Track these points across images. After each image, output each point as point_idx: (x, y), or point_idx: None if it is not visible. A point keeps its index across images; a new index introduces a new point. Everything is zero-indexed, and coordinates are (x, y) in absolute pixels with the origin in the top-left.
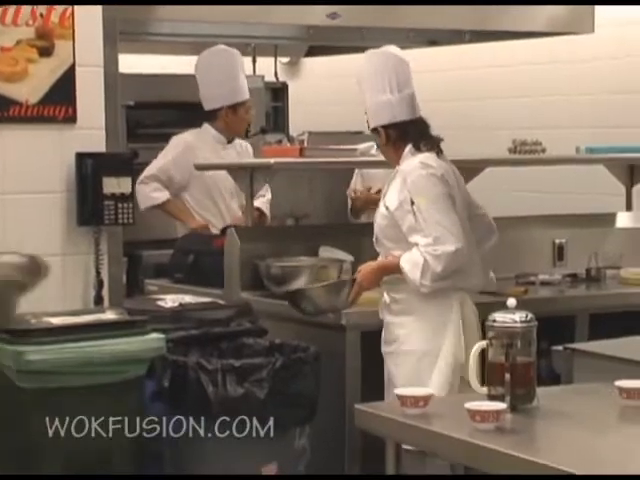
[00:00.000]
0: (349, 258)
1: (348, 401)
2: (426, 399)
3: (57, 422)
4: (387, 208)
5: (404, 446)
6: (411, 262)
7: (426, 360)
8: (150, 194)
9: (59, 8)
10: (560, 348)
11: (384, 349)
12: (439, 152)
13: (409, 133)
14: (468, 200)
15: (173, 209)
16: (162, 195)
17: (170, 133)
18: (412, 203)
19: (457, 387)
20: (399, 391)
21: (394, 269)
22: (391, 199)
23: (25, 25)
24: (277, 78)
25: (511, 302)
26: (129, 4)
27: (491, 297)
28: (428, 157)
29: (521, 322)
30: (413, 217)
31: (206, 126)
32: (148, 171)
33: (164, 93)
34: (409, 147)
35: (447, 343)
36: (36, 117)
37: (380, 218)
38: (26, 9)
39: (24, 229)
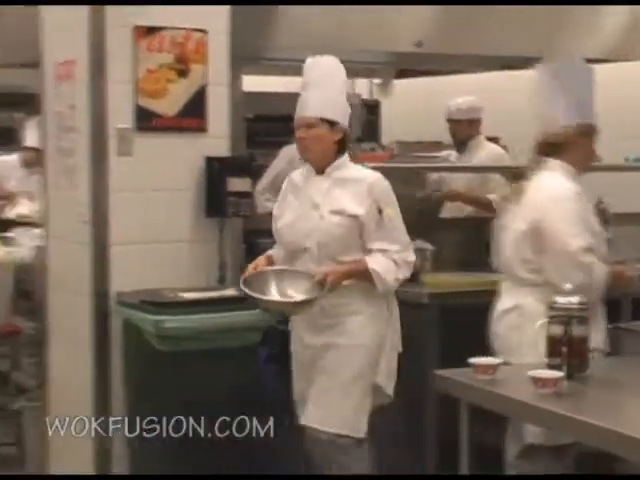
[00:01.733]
0: (430, 247)
1: (427, 366)
2: (495, 367)
3: (183, 376)
4: (350, 215)
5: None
6: (383, 266)
7: (376, 352)
8: (264, 203)
9: (195, 37)
10: (610, 326)
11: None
12: None
13: (348, 141)
14: None
15: None
16: (273, 205)
17: (281, 141)
18: (380, 211)
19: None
20: (473, 360)
21: (358, 274)
22: (353, 207)
23: (167, 52)
24: (372, 96)
25: (568, 287)
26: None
27: None
28: None
29: (577, 304)
30: (380, 225)
31: None
32: (262, 183)
33: (277, 108)
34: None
35: (389, 336)
36: (174, 127)
37: (334, 227)
38: (168, 38)
39: (162, 219)
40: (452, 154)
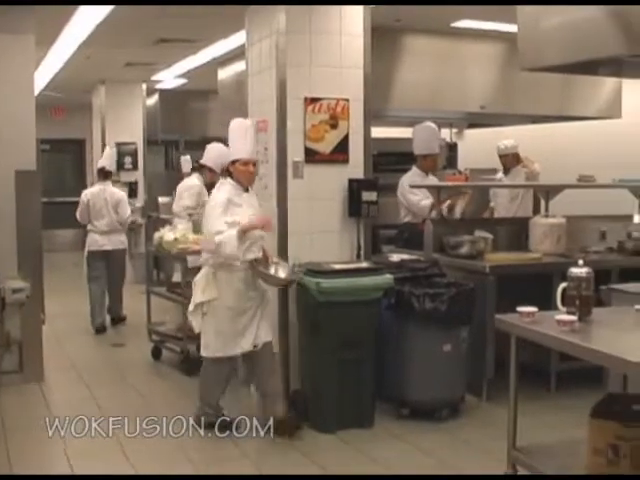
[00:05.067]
0: (490, 236)
1: (488, 313)
2: (534, 313)
3: (335, 317)
4: None
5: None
6: None
7: None
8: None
9: (341, 103)
10: (604, 287)
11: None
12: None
13: None
14: None
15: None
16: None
17: (396, 169)
18: None
19: None
20: (519, 308)
21: None
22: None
23: (324, 113)
24: (451, 140)
25: (580, 262)
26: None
27: (569, 259)
28: None
29: (585, 273)
30: None
31: (414, 167)
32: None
33: (392, 147)
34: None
35: None
36: (328, 160)
37: None
38: (325, 104)
39: (321, 218)
40: (502, 177)
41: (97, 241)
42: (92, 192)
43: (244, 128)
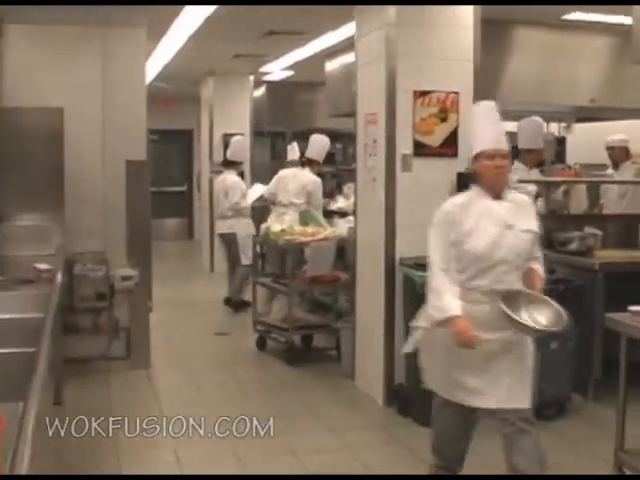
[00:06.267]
0: (599, 233)
1: (597, 311)
2: None
3: None
4: (532, 231)
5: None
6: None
7: None
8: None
9: (451, 97)
10: None
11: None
12: None
13: None
14: None
15: None
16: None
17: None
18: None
19: None
20: (631, 307)
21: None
22: (533, 225)
23: (433, 106)
24: (560, 134)
25: None
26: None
27: None
28: None
29: None
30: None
31: (516, 162)
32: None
33: None
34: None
35: None
36: (437, 153)
37: (525, 243)
38: (434, 97)
39: (430, 212)
40: (612, 172)
41: (216, 225)
42: (216, 180)
43: (486, 112)
